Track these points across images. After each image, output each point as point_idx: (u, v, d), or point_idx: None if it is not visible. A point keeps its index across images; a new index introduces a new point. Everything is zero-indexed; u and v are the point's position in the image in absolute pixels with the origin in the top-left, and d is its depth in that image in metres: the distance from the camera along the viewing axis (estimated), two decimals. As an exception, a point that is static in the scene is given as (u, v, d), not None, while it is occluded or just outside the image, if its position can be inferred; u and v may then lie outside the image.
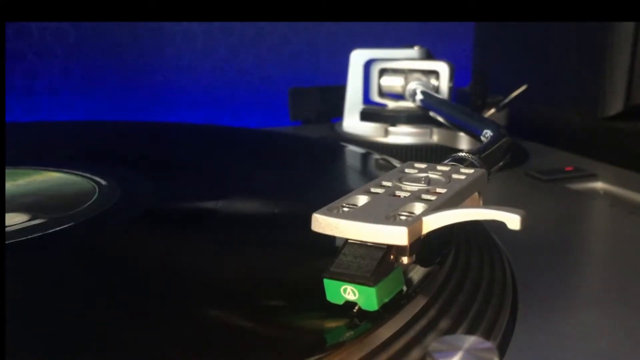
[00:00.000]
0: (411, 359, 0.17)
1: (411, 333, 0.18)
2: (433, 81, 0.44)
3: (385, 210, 0.18)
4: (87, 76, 0.62)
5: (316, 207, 0.18)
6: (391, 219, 0.18)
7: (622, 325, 0.21)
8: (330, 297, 0.17)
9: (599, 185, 0.39)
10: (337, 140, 0.46)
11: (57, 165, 0.33)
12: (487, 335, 0.20)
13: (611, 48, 0.45)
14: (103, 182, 0.30)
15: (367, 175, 0.37)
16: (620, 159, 0.42)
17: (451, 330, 0.19)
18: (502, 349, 0.19)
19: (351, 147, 0.40)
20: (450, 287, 0.21)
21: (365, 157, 0.39)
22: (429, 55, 0.47)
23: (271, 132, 0.50)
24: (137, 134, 0.46)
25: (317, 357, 0.16)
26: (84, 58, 0.61)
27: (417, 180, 0.21)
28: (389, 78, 0.45)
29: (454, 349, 0.15)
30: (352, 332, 0.17)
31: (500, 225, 0.17)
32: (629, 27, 0.45)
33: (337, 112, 0.49)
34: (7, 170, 0.32)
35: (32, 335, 0.17)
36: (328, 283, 0.17)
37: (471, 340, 0.15)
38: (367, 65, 0.47)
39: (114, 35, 0.62)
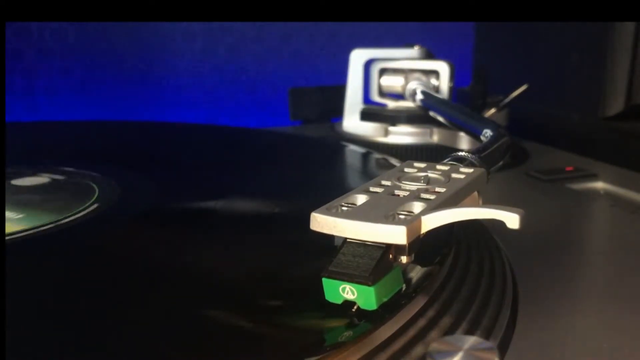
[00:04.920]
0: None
1: (411, 333, 0.18)
2: (433, 81, 0.44)
3: (384, 210, 0.18)
4: (86, 76, 0.62)
5: (316, 207, 0.18)
6: (390, 218, 0.18)
7: (622, 325, 0.21)
8: (329, 296, 0.17)
9: (599, 185, 0.39)
10: (337, 140, 0.46)
11: (57, 165, 0.33)
12: (487, 336, 0.20)
13: (611, 48, 0.45)
14: (103, 182, 0.30)
15: (367, 175, 0.37)
16: (621, 159, 0.42)
17: (451, 330, 0.19)
18: (502, 349, 0.19)
19: (351, 147, 0.40)
20: (450, 287, 0.21)
21: (365, 157, 0.39)
22: (429, 55, 0.47)
23: (271, 132, 0.50)
24: (137, 134, 0.46)
25: (316, 357, 0.16)
26: (84, 58, 0.61)
27: (416, 179, 0.21)
28: (389, 78, 0.45)
29: (454, 349, 0.15)
30: (351, 332, 0.17)
31: (501, 225, 0.17)
32: (629, 27, 0.45)
33: (337, 112, 0.49)
34: (7, 170, 0.32)
35: (32, 335, 0.17)
36: (327, 282, 0.17)
37: (471, 340, 0.15)
38: (367, 65, 0.47)
39: (113, 35, 0.62)
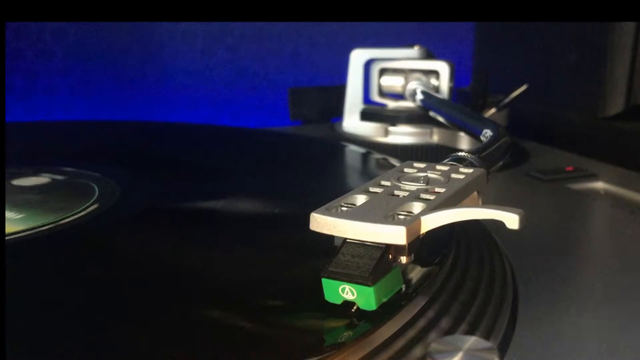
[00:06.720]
0: None
1: (411, 333, 0.18)
2: (433, 81, 0.44)
3: (383, 210, 0.18)
4: (86, 76, 0.62)
5: (315, 207, 0.18)
6: (389, 218, 0.18)
7: (622, 325, 0.21)
8: (329, 296, 0.17)
9: (599, 185, 0.39)
10: (337, 140, 0.46)
11: (56, 165, 0.33)
12: (487, 336, 0.20)
13: (611, 48, 0.45)
14: (103, 182, 0.30)
15: (367, 175, 0.37)
16: (621, 159, 0.42)
17: (451, 330, 0.19)
18: (502, 349, 0.19)
19: (351, 147, 0.40)
20: (450, 287, 0.21)
21: (365, 157, 0.39)
22: (429, 55, 0.47)
23: (271, 132, 0.50)
24: (137, 134, 0.46)
25: (316, 358, 0.16)
26: (83, 58, 0.61)
27: (415, 179, 0.21)
28: (389, 78, 0.45)
29: (454, 350, 0.15)
30: (350, 333, 0.17)
31: (501, 225, 0.17)
32: (629, 27, 0.45)
33: (337, 112, 0.49)
34: (7, 170, 0.32)
35: (32, 335, 0.17)
36: (326, 283, 0.17)
37: (471, 340, 0.15)
38: (367, 65, 0.47)
39: (113, 35, 0.62)
